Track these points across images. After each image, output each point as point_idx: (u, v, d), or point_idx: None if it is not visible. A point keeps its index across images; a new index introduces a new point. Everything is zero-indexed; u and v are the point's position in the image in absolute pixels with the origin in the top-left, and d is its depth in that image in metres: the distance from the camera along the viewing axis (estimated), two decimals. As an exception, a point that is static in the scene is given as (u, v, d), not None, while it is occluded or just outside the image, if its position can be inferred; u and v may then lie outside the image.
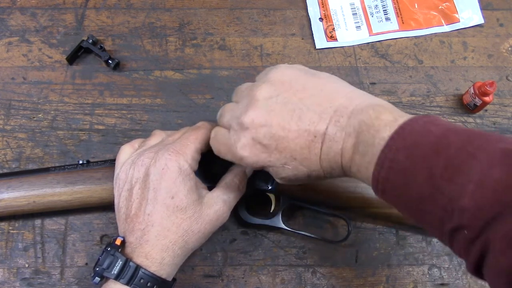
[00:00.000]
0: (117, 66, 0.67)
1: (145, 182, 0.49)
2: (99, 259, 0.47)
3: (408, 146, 0.39)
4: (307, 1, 0.74)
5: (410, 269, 0.61)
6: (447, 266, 0.61)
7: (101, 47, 0.67)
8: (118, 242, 0.47)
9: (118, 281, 0.46)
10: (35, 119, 0.65)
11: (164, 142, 0.53)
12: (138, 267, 0.46)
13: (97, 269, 0.47)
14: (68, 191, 0.57)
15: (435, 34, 0.73)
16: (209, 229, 0.51)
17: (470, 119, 0.68)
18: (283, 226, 0.59)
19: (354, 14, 0.73)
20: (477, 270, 0.37)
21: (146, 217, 0.48)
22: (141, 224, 0.48)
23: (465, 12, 0.74)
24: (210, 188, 0.53)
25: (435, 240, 0.62)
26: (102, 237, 0.60)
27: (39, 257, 0.59)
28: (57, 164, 0.62)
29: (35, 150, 0.63)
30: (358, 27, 0.72)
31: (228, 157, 0.49)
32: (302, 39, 0.72)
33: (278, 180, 0.48)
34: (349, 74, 0.70)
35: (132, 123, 0.66)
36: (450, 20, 0.73)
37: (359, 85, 0.69)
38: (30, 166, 0.63)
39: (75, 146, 0.64)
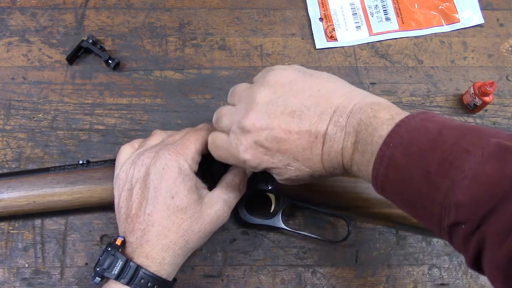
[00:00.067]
0: (117, 66, 0.67)
1: (145, 182, 0.49)
2: (99, 259, 0.47)
3: (405, 143, 0.40)
4: (307, 1, 0.74)
5: (410, 269, 0.61)
6: (447, 266, 0.61)
7: (101, 47, 0.67)
8: (118, 242, 0.47)
9: (119, 281, 0.46)
10: (35, 119, 0.65)
11: (164, 142, 0.53)
12: (138, 267, 0.46)
13: (98, 269, 0.47)
14: (68, 191, 0.57)
15: (435, 34, 0.73)
16: (210, 229, 0.51)
17: (470, 119, 0.68)
18: (283, 226, 0.59)
19: (354, 14, 0.73)
20: (476, 264, 0.38)
21: (146, 217, 0.48)
22: (141, 224, 0.48)
23: (465, 12, 0.74)
24: (211, 188, 0.53)
25: (435, 240, 0.62)
26: (102, 237, 0.60)
27: (39, 257, 0.59)
28: (57, 164, 0.62)
29: (35, 150, 0.63)
30: (358, 27, 0.72)
31: (230, 161, 0.49)
32: (302, 39, 0.72)
33: (281, 181, 0.49)
34: (349, 74, 0.70)
35: (132, 123, 0.66)
36: (450, 20, 0.73)
37: (359, 85, 0.69)
38: (30, 166, 0.63)
39: (75, 146, 0.64)
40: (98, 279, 0.47)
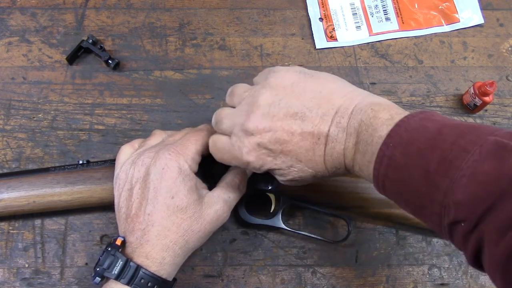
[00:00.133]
0: (117, 66, 0.67)
1: (145, 181, 0.49)
2: (99, 259, 0.47)
3: (404, 143, 0.40)
4: (307, 1, 0.74)
5: (410, 269, 0.61)
6: (447, 266, 0.61)
7: (101, 47, 0.67)
8: (118, 242, 0.47)
9: (119, 281, 0.46)
10: (35, 119, 0.65)
11: (164, 142, 0.53)
12: (138, 267, 0.46)
13: (98, 269, 0.47)
14: (68, 191, 0.57)
15: (435, 34, 0.73)
16: (210, 228, 0.51)
17: (470, 119, 0.68)
18: (283, 226, 0.59)
19: (354, 14, 0.73)
20: (476, 262, 0.38)
21: (146, 217, 0.48)
22: (141, 224, 0.48)
23: (465, 12, 0.74)
24: (211, 188, 0.53)
25: (435, 240, 0.62)
26: (102, 237, 0.60)
27: (39, 257, 0.59)
28: (57, 164, 0.62)
29: (35, 150, 0.63)
30: (358, 27, 0.72)
31: (232, 163, 0.49)
32: (302, 39, 0.72)
33: (283, 182, 0.49)
34: (349, 74, 0.70)
35: (132, 123, 0.66)
36: (450, 20, 0.73)
37: (359, 85, 0.69)
38: (30, 166, 0.63)
39: (75, 146, 0.64)
40: (98, 279, 0.47)
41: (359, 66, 0.70)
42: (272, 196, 0.60)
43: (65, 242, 0.60)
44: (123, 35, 0.70)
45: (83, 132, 0.65)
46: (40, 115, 0.65)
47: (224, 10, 0.73)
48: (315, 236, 0.59)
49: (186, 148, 0.51)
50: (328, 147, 0.45)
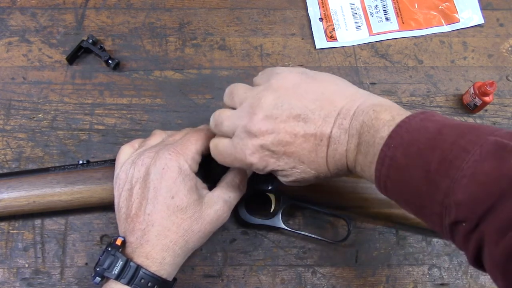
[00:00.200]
0: (117, 66, 0.67)
1: (145, 181, 0.49)
2: (99, 259, 0.47)
3: (405, 143, 0.40)
4: (307, 1, 0.74)
5: (410, 269, 0.61)
6: (447, 266, 0.61)
7: (101, 47, 0.67)
8: (118, 242, 0.47)
9: (119, 281, 0.46)
10: (35, 119, 0.65)
11: (164, 142, 0.53)
12: (138, 267, 0.46)
13: (98, 269, 0.47)
14: (68, 191, 0.57)
15: (435, 34, 0.73)
16: (210, 228, 0.51)
17: (470, 119, 0.68)
18: (283, 226, 0.59)
19: (354, 14, 0.73)
20: (477, 262, 0.38)
21: (146, 217, 0.48)
22: (141, 224, 0.48)
23: (465, 12, 0.74)
24: (211, 188, 0.53)
25: (435, 240, 0.62)
26: (102, 237, 0.60)
27: (39, 257, 0.59)
28: (57, 164, 0.62)
29: (35, 150, 0.63)
30: (358, 27, 0.72)
31: (235, 165, 0.49)
32: (302, 39, 0.72)
33: (286, 183, 0.49)
34: (349, 74, 0.70)
35: (132, 123, 0.66)
36: (450, 20, 0.73)
37: (359, 85, 0.69)
38: (30, 166, 0.63)
39: (75, 146, 0.64)
40: (98, 279, 0.47)
41: (359, 66, 0.70)
42: (272, 196, 0.60)
43: (65, 242, 0.60)
44: (123, 35, 0.70)
45: (83, 132, 0.65)
46: (40, 115, 0.65)
47: (224, 10, 0.73)
48: (315, 236, 0.59)
49: (186, 148, 0.51)
50: (331, 148, 0.45)
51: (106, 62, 0.67)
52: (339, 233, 0.62)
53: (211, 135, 0.52)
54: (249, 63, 0.70)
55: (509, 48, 0.72)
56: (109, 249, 0.47)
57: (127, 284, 0.46)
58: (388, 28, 0.73)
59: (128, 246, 0.48)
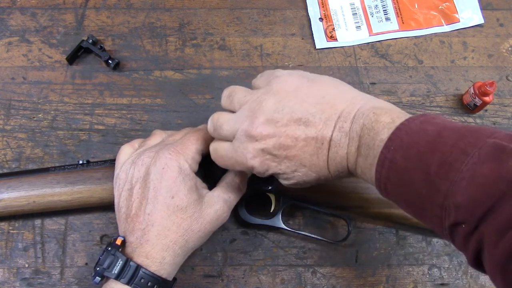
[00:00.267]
0: (117, 66, 0.67)
1: (145, 181, 0.49)
2: (99, 258, 0.47)
3: (405, 146, 0.40)
4: (307, 1, 0.74)
5: (410, 269, 0.61)
6: (447, 266, 0.61)
7: (101, 47, 0.67)
8: (118, 242, 0.47)
9: (119, 280, 0.46)
10: (35, 119, 0.65)
11: (164, 142, 0.53)
12: (138, 267, 0.46)
13: (98, 268, 0.47)
14: (68, 191, 0.57)
15: (435, 34, 0.73)
16: (210, 228, 0.51)
17: (470, 119, 0.68)
18: (283, 226, 0.59)
19: (354, 14, 0.73)
20: (477, 263, 0.38)
21: (146, 217, 0.48)
22: (141, 224, 0.48)
23: (465, 12, 0.74)
24: (211, 188, 0.53)
25: (435, 240, 0.62)
26: (102, 237, 0.60)
27: (39, 257, 0.59)
28: (57, 164, 0.62)
29: (35, 150, 0.63)
30: (358, 27, 0.72)
31: (236, 168, 0.49)
32: (302, 39, 0.72)
33: (287, 186, 0.49)
34: (349, 74, 0.70)
35: (132, 123, 0.66)
36: (450, 20, 0.73)
37: (359, 85, 0.69)
38: (30, 166, 0.63)
39: (75, 146, 0.64)
40: (98, 278, 0.47)
41: (359, 66, 0.70)
42: (272, 196, 0.60)
43: (65, 242, 0.60)
44: (123, 35, 0.70)
45: (83, 132, 0.65)
46: (40, 115, 0.65)
47: (224, 10, 0.73)
48: (315, 236, 0.59)
49: (186, 148, 0.51)
50: (331, 151, 0.45)
51: (106, 62, 0.67)
52: (339, 233, 0.62)
53: (211, 137, 0.52)
54: (249, 63, 0.70)
55: (509, 48, 0.72)
56: (109, 248, 0.47)
57: (127, 283, 0.46)
58: (388, 28, 0.73)
59: (128, 246, 0.48)
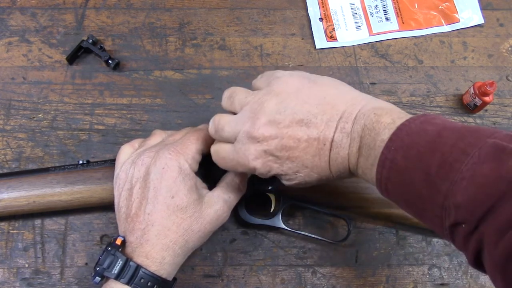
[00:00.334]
0: (117, 66, 0.67)
1: (145, 181, 0.49)
2: (99, 258, 0.47)
3: (405, 146, 0.40)
4: (307, 1, 0.74)
5: (410, 269, 0.61)
6: (447, 266, 0.61)
7: (101, 47, 0.67)
8: (118, 241, 0.47)
9: (119, 280, 0.46)
10: (35, 119, 0.65)
11: (164, 142, 0.53)
12: (138, 267, 0.46)
13: (98, 268, 0.47)
14: (68, 191, 0.57)
15: (435, 34, 0.73)
16: (210, 228, 0.51)
17: (470, 119, 0.68)
18: (283, 226, 0.59)
19: (354, 14, 0.73)
20: (477, 263, 0.38)
21: (146, 217, 0.48)
22: (141, 224, 0.48)
23: (465, 12, 0.74)
24: (211, 188, 0.53)
25: (435, 240, 0.62)
26: (102, 237, 0.60)
27: (39, 257, 0.59)
28: (57, 164, 0.62)
29: (35, 150, 0.63)
30: (358, 27, 0.72)
31: (238, 169, 0.49)
32: (302, 39, 0.72)
33: (289, 186, 0.49)
34: (349, 74, 0.70)
35: (132, 123, 0.66)
36: (450, 20, 0.73)
37: (359, 85, 0.69)
38: (30, 166, 0.63)
39: (75, 146, 0.64)
40: (98, 278, 0.47)
41: (359, 66, 0.70)
42: (272, 196, 0.60)
43: (65, 242, 0.60)
44: (123, 35, 0.70)
45: (83, 132, 0.65)
46: (40, 115, 0.65)
47: (224, 10, 0.73)
48: (315, 236, 0.59)
49: (187, 148, 0.51)
50: (333, 152, 0.45)
51: (106, 62, 0.67)
52: (339, 233, 0.62)
53: (211, 137, 0.52)
54: (249, 63, 0.70)
55: (509, 48, 0.72)
56: (109, 248, 0.47)
57: (127, 283, 0.46)
58: (388, 28, 0.73)
59: (128, 246, 0.48)
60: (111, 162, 0.57)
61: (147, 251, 0.47)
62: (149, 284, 0.46)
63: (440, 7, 0.74)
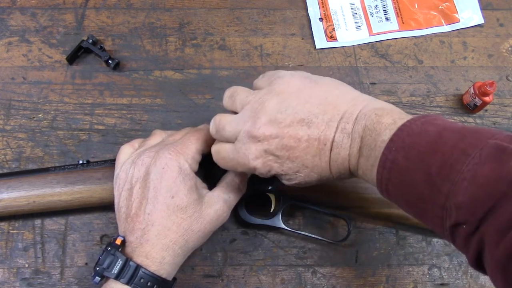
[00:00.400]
0: (117, 66, 0.67)
1: (145, 181, 0.49)
2: (99, 258, 0.47)
3: (406, 147, 0.40)
4: (307, 1, 0.74)
5: (410, 269, 0.61)
6: (447, 266, 0.61)
7: (101, 47, 0.67)
8: (118, 241, 0.47)
9: (118, 280, 0.46)
10: (35, 119, 0.65)
11: (164, 142, 0.54)
12: (138, 267, 0.46)
13: (98, 268, 0.47)
14: (68, 191, 0.57)
15: (435, 34, 0.73)
16: (209, 228, 0.51)
17: (470, 119, 0.68)
18: (283, 226, 0.59)
19: (354, 14, 0.73)
20: (477, 264, 0.38)
21: (146, 217, 0.48)
22: (141, 224, 0.48)
23: (465, 12, 0.74)
24: (211, 188, 0.53)
25: (435, 240, 0.62)
26: (102, 237, 0.60)
27: (39, 257, 0.59)
28: (57, 164, 0.62)
29: (35, 150, 0.63)
30: (358, 27, 0.72)
31: (238, 169, 0.49)
32: (302, 39, 0.72)
33: (289, 185, 0.49)
34: (349, 74, 0.70)
35: (132, 123, 0.66)
36: (450, 20, 0.73)
37: (359, 85, 0.69)
38: (30, 166, 0.63)
39: (75, 146, 0.64)
40: (98, 278, 0.47)
41: (359, 66, 0.70)
42: (272, 196, 0.60)
43: (65, 242, 0.60)
44: (123, 35, 0.70)
45: (83, 132, 0.65)
46: (40, 115, 0.65)
47: (224, 10, 0.73)
48: (315, 236, 0.59)
49: (187, 148, 0.51)
50: (333, 152, 0.45)
51: (106, 62, 0.67)
52: (339, 233, 0.62)
53: (212, 137, 0.52)
54: (249, 63, 0.70)
55: (509, 48, 0.72)
56: (109, 248, 0.47)
57: (127, 283, 0.46)
58: (388, 28, 0.73)
59: (128, 246, 0.48)
60: (111, 162, 0.57)
61: (147, 251, 0.47)
62: (149, 284, 0.46)
63: (440, 7, 0.74)
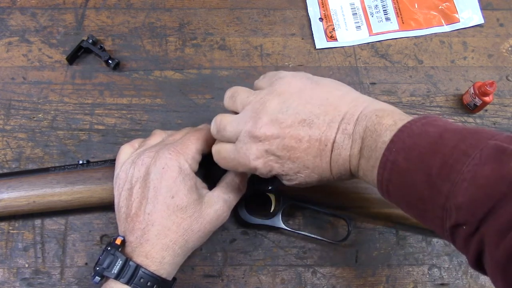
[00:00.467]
0: (117, 66, 0.67)
1: (145, 181, 0.49)
2: (99, 258, 0.47)
3: (406, 148, 0.40)
4: (307, 1, 0.74)
5: (410, 269, 0.61)
6: (447, 266, 0.61)
7: (101, 47, 0.67)
8: (118, 241, 0.47)
9: (118, 280, 0.46)
10: (35, 119, 0.65)
11: (164, 141, 0.54)
12: (138, 267, 0.46)
13: (97, 268, 0.47)
14: (68, 191, 0.57)
15: (435, 34, 0.73)
16: (209, 228, 0.51)
17: (470, 119, 0.68)
18: (283, 226, 0.59)
19: (354, 14, 0.73)
20: (478, 265, 0.38)
21: (146, 216, 0.48)
22: (141, 224, 0.48)
23: (465, 12, 0.74)
24: (211, 188, 0.53)
25: (435, 240, 0.62)
26: (102, 237, 0.60)
27: (39, 257, 0.59)
28: (57, 164, 0.62)
29: (35, 150, 0.63)
30: (358, 27, 0.72)
31: (239, 169, 0.49)
32: (302, 39, 0.72)
33: (289, 185, 0.49)
34: (349, 74, 0.70)
35: (132, 123, 0.66)
36: (450, 20, 0.73)
37: (359, 85, 0.69)
38: (30, 166, 0.63)
39: (75, 146, 0.64)
40: (98, 278, 0.47)
41: (359, 66, 0.70)
42: (272, 196, 0.60)
43: (65, 242, 0.60)
44: (123, 35, 0.70)
45: (83, 132, 0.65)
46: (40, 115, 0.65)
47: (224, 10, 0.73)
48: (315, 236, 0.59)
49: (187, 148, 0.51)
50: (334, 153, 0.45)
51: (106, 62, 0.67)
52: (339, 233, 0.62)
53: (212, 137, 0.52)
54: (249, 63, 0.70)
55: (509, 48, 0.72)
56: (109, 248, 0.47)
57: (127, 283, 0.46)
58: (388, 28, 0.73)
59: (127, 246, 0.48)
60: (111, 162, 0.57)
61: (147, 251, 0.47)
62: (148, 284, 0.46)
63: (440, 7, 0.74)
